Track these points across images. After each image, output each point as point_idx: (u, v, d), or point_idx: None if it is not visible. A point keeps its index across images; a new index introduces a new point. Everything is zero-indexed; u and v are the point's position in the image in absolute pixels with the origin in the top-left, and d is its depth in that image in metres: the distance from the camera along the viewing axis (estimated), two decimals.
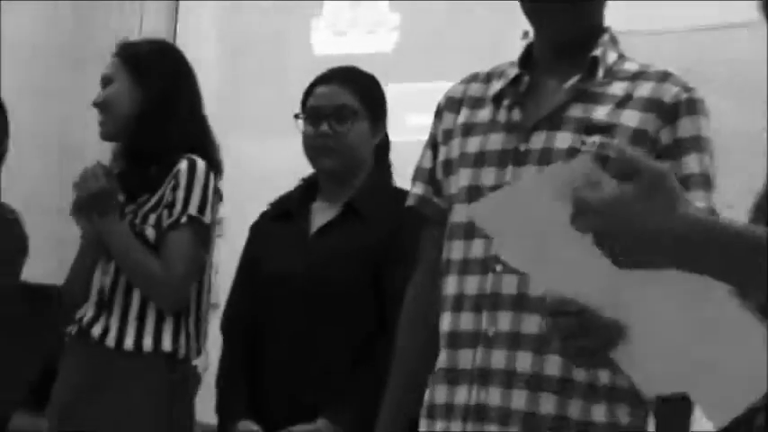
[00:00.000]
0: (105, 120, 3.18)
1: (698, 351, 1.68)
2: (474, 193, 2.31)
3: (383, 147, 3.30)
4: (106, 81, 3.25)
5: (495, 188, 2.26)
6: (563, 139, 2.29)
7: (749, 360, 1.61)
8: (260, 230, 3.30)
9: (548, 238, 1.63)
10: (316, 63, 4.43)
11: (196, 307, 3.23)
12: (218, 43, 5.44)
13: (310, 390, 3.03)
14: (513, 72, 2.36)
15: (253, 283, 3.23)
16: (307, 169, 3.25)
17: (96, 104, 3.22)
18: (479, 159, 2.35)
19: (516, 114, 2.33)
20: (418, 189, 2.49)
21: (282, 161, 3.82)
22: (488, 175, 2.32)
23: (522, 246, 1.71)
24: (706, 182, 2.29)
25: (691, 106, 2.30)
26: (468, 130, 2.42)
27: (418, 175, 2.51)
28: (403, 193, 2.81)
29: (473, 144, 2.39)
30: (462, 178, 2.37)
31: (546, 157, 2.29)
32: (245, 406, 3.14)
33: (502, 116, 2.37)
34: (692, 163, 2.28)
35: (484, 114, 2.41)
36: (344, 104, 3.14)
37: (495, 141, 2.35)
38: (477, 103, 2.46)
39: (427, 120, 2.70)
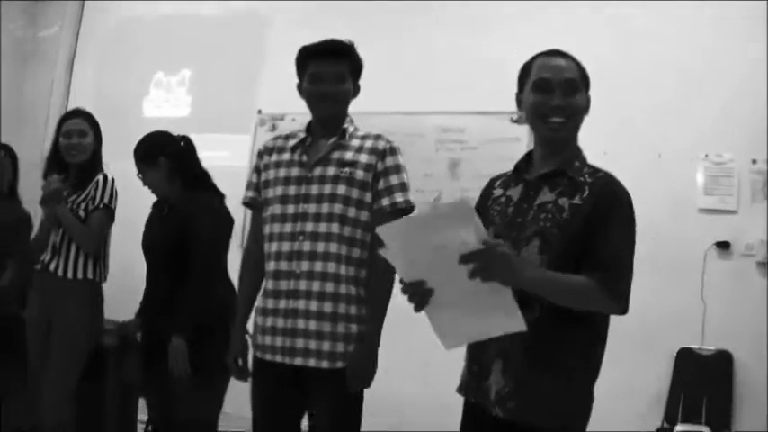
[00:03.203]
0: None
1: (470, 315, 2.63)
2: (283, 199, 3.48)
3: (183, 168, 4.57)
4: (82, 133, 4.94)
5: (297, 197, 3.46)
6: (330, 171, 3.46)
7: (501, 320, 2.60)
8: (149, 214, 4.67)
9: (423, 246, 2.54)
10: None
11: (104, 254, 4.98)
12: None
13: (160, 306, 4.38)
14: (302, 135, 3.56)
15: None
16: None
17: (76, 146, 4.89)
18: (286, 181, 3.51)
19: (305, 158, 3.51)
20: (249, 194, 3.67)
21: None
22: (292, 189, 3.48)
23: (402, 250, 2.61)
24: (404, 188, 3.48)
25: (392, 151, 3.51)
26: (278, 165, 3.55)
27: (249, 186, 3.68)
28: (202, 195, 4.50)
29: (282, 173, 3.53)
30: (277, 191, 3.50)
31: (321, 180, 3.45)
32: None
33: (296, 158, 3.53)
34: (394, 179, 3.47)
35: (286, 157, 3.55)
36: (138, 166, 4.58)
37: (294, 172, 3.51)
38: (281, 150, 3.59)
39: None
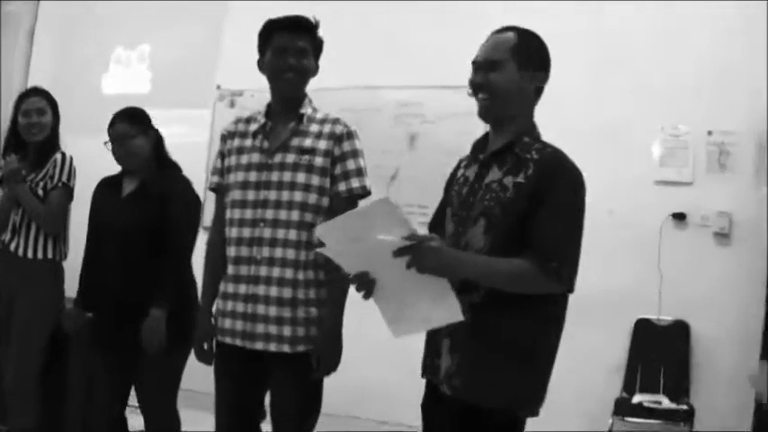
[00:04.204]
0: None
1: (413, 306, 2.76)
2: (244, 185, 3.52)
3: (159, 144, 4.52)
4: (41, 112, 4.93)
5: (258, 183, 3.49)
6: (290, 158, 3.48)
7: (442, 310, 2.70)
8: (97, 192, 4.59)
9: (359, 243, 2.69)
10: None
11: (64, 233, 4.99)
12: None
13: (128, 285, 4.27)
14: (262, 120, 3.57)
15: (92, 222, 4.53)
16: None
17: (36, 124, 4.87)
18: (248, 167, 3.55)
19: (265, 144, 3.54)
20: (215, 179, 3.70)
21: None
22: (252, 175, 3.51)
23: (342, 248, 2.78)
24: (360, 173, 3.51)
25: (349, 135, 3.53)
26: (240, 150, 3.58)
27: (215, 171, 3.71)
28: (171, 175, 4.48)
29: (244, 159, 3.56)
30: (238, 176, 3.54)
31: (281, 167, 3.48)
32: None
33: (257, 143, 3.56)
34: (350, 165, 3.50)
35: (248, 142, 3.58)
36: (127, 132, 4.37)
37: (255, 158, 3.54)
38: (243, 135, 3.62)
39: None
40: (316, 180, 3.49)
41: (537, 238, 2.71)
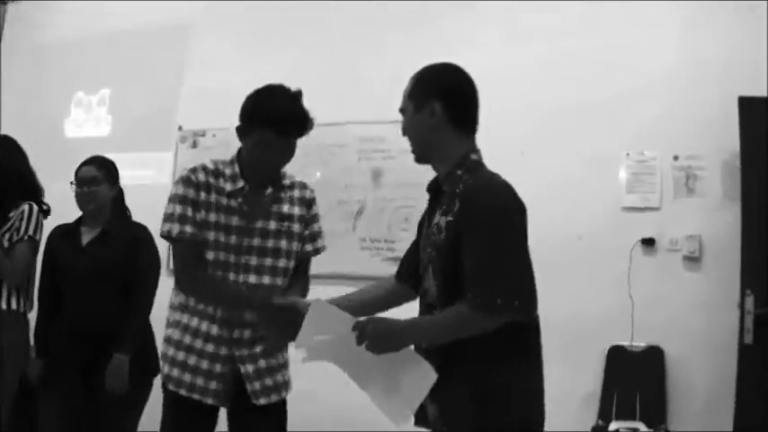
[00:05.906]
0: None
1: (396, 386, 2.75)
2: (226, 246, 3.51)
3: (119, 196, 4.81)
4: None
5: (238, 248, 3.51)
6: (272, 225, 3.59)
7: (419, 378, 2.70)
8: (54, 241, 4.80)
9: (329, 345, 2.80)
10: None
11: (27, 285, 4.88)
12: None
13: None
14: (240, 183, 3.51)
15: (52, 270, 4.73)
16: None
17: None
18: (227, 229, 3.52)
19: (244, 206, 3.53)
20: (188, 228, 3.46)
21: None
22: (232, 239, 3.52)
23: (323, 352, 2.85)
24: (321, 234, 3.76)
25: (314, 200, 3.74)
26: (218, 209, 3.52)
27: (185, 219, 3.47)
28: (132, 223, 4.70)
29: (222, 219, 3.52)
30: (219, 236, 3.51)
31: (263, 234, 3.57)
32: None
33: (234, 205, 3.53)
34: (316, 227, 3.74)
35: (224, 201, 3.53)
36: (95, 176, 4.67)
37: (235, 221, 3.53)
38: (219, 191, 3.52)
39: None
40: (294, 245, 3.66)
41: (465, 275, 2.66)
